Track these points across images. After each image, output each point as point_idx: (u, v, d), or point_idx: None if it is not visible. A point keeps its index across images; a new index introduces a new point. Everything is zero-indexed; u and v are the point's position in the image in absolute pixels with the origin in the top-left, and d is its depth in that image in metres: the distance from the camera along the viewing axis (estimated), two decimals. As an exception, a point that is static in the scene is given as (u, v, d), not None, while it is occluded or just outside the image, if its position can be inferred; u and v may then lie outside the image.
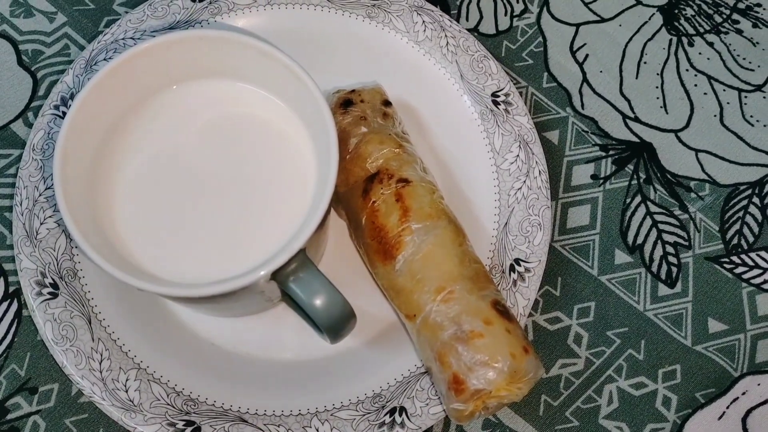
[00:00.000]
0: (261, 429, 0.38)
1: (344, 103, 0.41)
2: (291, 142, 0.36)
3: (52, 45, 0.48)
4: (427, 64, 0.45)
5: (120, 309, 0.40)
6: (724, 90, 0.50)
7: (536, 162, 0.43)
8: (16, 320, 0.41)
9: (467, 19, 0.51)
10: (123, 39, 0.44)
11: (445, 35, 0.45)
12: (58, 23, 0.48)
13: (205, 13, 0.44)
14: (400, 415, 0.38)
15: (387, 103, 0.42)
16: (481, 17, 0.51)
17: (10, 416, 0.40)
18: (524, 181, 0.42)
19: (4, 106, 0.46)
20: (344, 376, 0.39)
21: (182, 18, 0.44)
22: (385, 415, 0.38)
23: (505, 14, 0.51)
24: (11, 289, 0.42)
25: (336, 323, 0.34)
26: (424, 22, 0.45)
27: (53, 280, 0.39)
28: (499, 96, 0.44)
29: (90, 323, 0.39)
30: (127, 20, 0.44)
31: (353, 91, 0.41)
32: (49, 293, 0.39)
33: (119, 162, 0.35)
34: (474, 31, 0.50)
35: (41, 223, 0.40)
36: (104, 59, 0.43)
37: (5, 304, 0.42)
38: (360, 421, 0.38)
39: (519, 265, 0.41)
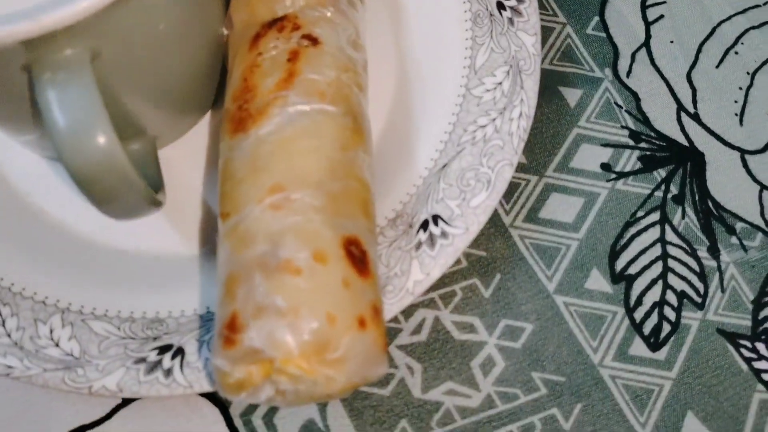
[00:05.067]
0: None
1: None
2: None
3: None
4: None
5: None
6: (834, 126, 0.35)
7: (522, 100, 0.29)
8: None
9: None
10: None
11: None
12: None
13: None
14: (174, 358, 0.25)
15: (350, -53, 0.29)
16: (542, -77, 0.38)
17: None
18: (494, 119, 0.29)
19: None
20: (134, 279, 0.27)
21: None
22: (155, 352, 0.25)
23: (575, -70, 0.38)
24: None
25: (90, 177, 0.21)
26: None
27: None
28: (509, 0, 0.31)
29: None
30: None
31: None
32: None
33: None
34: (525, -64, 0.37)
35: None
36: None
37: None
38: (129, 343, 0.25)
39: (436, 223, 0.27)
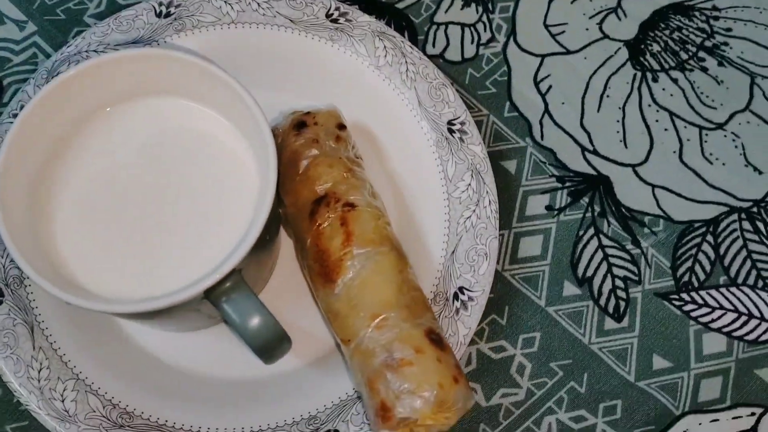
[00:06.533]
0: (194, 446, 0.38)
1: (298, 124, 0.41)
2: (233, 160, 0.36)
3: (20, 53, 0.48)
4: (387, 89, 0.45)
5: (64, 319, 0.40)
6: (685, 127, 0.50)
7: (487, 191, 0.43)
8: (-36, 324, 0.42)
9: (434, 46, 0.51)
10: (86, 51, 0.44)
11: (405, 61, 0.45)
12: (28, 32, 0.49)
13: (169, 29, 0.45)
14: (334, 437, 0.38)
15: (341, 126, 0.42)
16: (448, 44, 0.51)
17: (-50, 420, 0.40)
18: (474, 210, 0.43)
19: (-32, 111, 0.47)
20: (281, 396, 0.40)
21: (146, 33, 0.45)
22: (319, 437, 0.38)
23: (472, 42, 0.52)
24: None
25: (266, 345, 0.34)
26: (385, 47, 0.46)
27: (-1, 287, 0.40)
28: (454, 124, 0.44)
29: (32, 332, 0.39)
30: (92, 33, 0.45)
31: (308, 113, 0.42)
32: (-6, 300, 0.39)
33: (59, 183, 0.36)
34: (440, 57, 0.51)
35: (-9, 230, 0.40)
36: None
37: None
38: (294, 443, 0.38)
39: (463, 293, 0.41)
